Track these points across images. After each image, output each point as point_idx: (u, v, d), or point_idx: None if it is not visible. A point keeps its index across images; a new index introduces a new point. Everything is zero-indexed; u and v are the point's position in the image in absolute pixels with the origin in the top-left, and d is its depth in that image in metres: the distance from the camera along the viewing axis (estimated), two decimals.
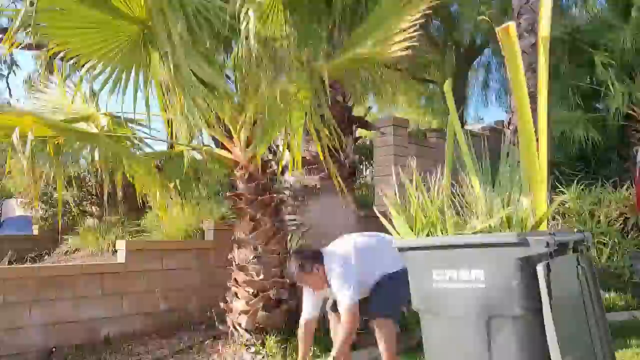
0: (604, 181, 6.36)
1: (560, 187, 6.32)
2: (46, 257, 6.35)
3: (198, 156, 5.12)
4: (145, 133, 4.34)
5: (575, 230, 2.33)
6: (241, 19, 3.33)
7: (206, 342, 4.31)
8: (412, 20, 2.91)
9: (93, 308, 4.33)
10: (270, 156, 5.17)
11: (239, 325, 4.00)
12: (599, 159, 8.29)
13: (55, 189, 6.94)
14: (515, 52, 2.13)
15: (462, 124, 10.51)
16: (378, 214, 2.71)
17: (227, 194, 4.32)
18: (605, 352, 2.18)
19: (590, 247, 2.36)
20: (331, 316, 3.37)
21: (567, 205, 5.96)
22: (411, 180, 2.50)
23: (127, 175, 4.01)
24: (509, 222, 2.22)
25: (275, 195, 4.22)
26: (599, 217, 5.79)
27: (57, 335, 4.08)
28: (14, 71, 10.42)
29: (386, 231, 2.65)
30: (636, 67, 7.59)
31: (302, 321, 3.29)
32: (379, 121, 7.35)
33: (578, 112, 7.79)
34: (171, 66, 3.28)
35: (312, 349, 3.72)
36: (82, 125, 4.08)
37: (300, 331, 3.29)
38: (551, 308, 1.82)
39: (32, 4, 3.05)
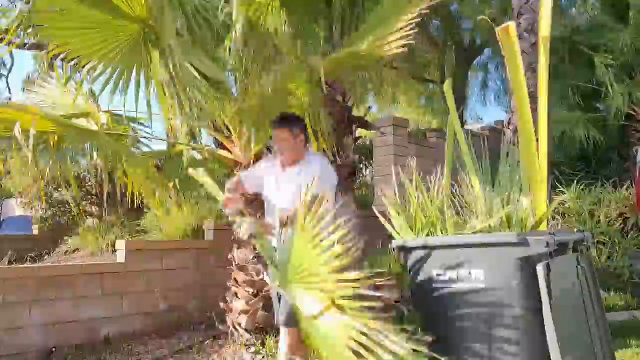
0: (604, 181, 6.36)
1: (560, 187, 6.32)
2: (46, 257, 6.36)
3: (198, 156, 5.12)
4: (147, 133, 4.34)
5: (575, 230, 2.33)
6: (235, 18, 3.34)
7: (206, 342, 4.31)
8: (410, 19, 2.91)
9: (93, 308, 4.33)
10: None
11: (239, 325, 4.00)
12: (599, 159, 8.29)
13: (55, 189, 6.96)
14: (515, 52, 2.14)
15: (462, 124, 10.51)
16: (378, 214, 2.72)
17: None
18: (605, 352, 2.18)
19: (590, 247, 2.36)
20: (283, 331, 2.68)
21: (567, 205, 5.96)
22: (411, 180, 2.51)
23: (126, 174, 4.00)
24: (509, 222, 2.22)
25: None
26: (599, 217, 5.79)
27: (57, 335, 4.08)
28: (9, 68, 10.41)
29: (386, 231, 2.65)
30: (636, 67, 7.59)
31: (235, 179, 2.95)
32: (379, 121, 7.35)
33: (578, 112, 7.79)
34: (170, 65, 3.28)
35: None
36: (82, 122, 4.08)
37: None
38: (551, 308, 1.82)
39: (29, 2, 3.06)
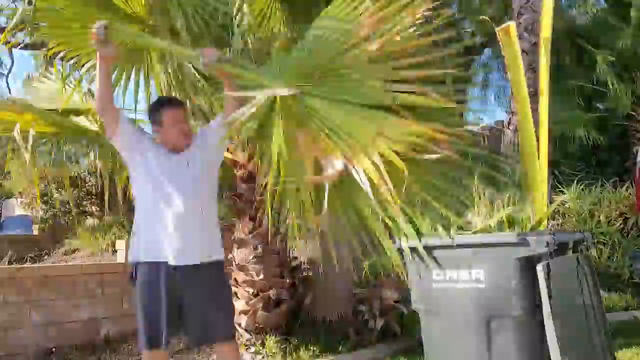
0: (604, 181, 6.36)
1: (560, 187, 6.32)
2: (46, 257, 6.35)
3: None
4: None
5: (575, 230, 2.33)
6: (236, 18, 3.33)
7: None
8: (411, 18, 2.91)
9: (93, 308, 4.33)
10: None
11: (239, 325, 4.00)
12: (599, 159, 8.29)
13: (55, 189, 6.95)
14: (515, 52, 2.14)
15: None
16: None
17: (227, 193, 4.32)
18: (605, 352, 2.18)
19: (590, 247, 2.36)
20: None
21: (567, 205, 5.96)
22: None
23: (124, 176, 4.00)
24: (508, 222, 2.22)
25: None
26: (599, 217, 5.79)
27: (57, 335, 4.07)
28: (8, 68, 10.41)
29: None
30: (637, 67, 7.59)
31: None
32: None
33: (578, 112, 7.79)
34: (169, 66, 3.27)
35: (311, 348, 3.73)
36: (80, 119, 4.07)
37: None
38: (551, 308, 1.82)
39: (30, 3, 3.05)
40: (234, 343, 2.38)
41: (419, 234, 2.33)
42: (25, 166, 3.47)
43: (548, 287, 1.84)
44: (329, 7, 2.12)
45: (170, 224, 2.26)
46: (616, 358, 2.41)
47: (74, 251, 6.15)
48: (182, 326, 2.28)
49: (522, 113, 2.19)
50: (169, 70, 3.36)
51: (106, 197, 4.47)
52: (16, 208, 9.01)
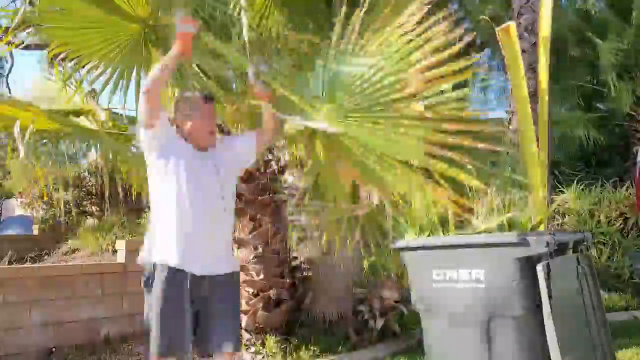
0: (604, 181, 6.36)
1: (560, 187, 6.32)
2: (46, 257, 6.35)
3: None
4: None
5: (575, 230, 2.33)
6: (234, 17, 3.34)
7: None
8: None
9: (93, 308, 4.33)
10: (270, 156, 5.17)
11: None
12: (599, 159, 8.29)
13: (55, 189, 6.95)
14: (515, 52, 2.14)
15: None
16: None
17: None
18: (606, 352, 2.18)
19: (590, 247, 2.36)
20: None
21: (567, 205, 5.96)
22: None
23: (125, 174, 3.99)
24: (509, 222, 2.22)
25: (275, 195, 4.22)
26: (599, 217, 5.79)
27: (57, 335, 4.07)
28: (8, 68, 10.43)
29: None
30: (637, 67, 7.59)
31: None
32: None
33: (578, 112, 7.79)
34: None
35: (311, 348, 3.73)
36: (81, 119, 4.08)
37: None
38: (551, 308, 1.82)
39: (31, 3, 3.05)
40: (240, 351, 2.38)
41: (419, 234, 2.33)
42: (26, 165, 3.47)
43: (548, 287, 1.84)
44: (379, 37, 2.19)
45: (200, 230, 2.17)
46: (616, 358, 2.41)
47: (74, 251, 6.15)
48: (197, 334, 2.20)
49: (522, 113, 2.19)
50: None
51: (106, 195, 4.47)
52: (16, 208, 9.01)
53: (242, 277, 4.05)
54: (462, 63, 1.95)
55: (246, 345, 3.94)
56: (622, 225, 5.76)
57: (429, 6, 2.41)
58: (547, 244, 1.88)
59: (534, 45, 5.45)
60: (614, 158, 8.32)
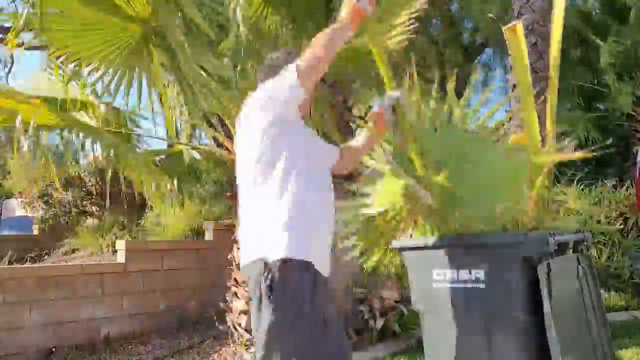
0: (604, 181, 6.36)
1: (560, 187, 6.31)
2: (46, 257, 6.35)
3: (198, 156, 5.12)
4: (145, 131, 4.35)
5: (575, 230, 2.33)
6: (231, 16, 3.34)
7: (206, 342, 4.31)
8: (409, 14, 2.92)
9: (93, 308, 4.33)
10: None
11: (239, 325, 4.00)
12: (599, 159, 8.28)
13: (55, 189, 6.95)
14: (522, 52, 2.15)
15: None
16: None
17: (227, 193, 4.33)
18: (606, 352, 2.18)
19: (590, 247, 2.36)
20: None
21: (567, 206, 5.96)
22: None
23: (125, 172, 3.99)
24: (509, 222, 2.22)
25: None
26: (599, 217, 5.79)
27: (57, 335, 4.08)
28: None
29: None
30: (636, 67, 7.59)
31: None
32: None
33: (578, 112, 7.79)
34: (181, 60, 3.27)
35: None
36: (81, 114, 4.07)
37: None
38: (551, 308, 1.82)
39: (33, 5, 3.05)
40: None
41: (419, 233, 2.33)
42: (26, 164, 3.47)
43: (548, 287, 1.84)
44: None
45: (328, 224, 1.88)
46: (616, 358, 2.41)
47: (74, 251, 6.15)
48: None
49: (527, 113, 2.19)
50: (176, 68, 3.36)
51: (107, 193, 4.47)
52: (16, 208, 9.02)
53: (242, 277, 4.05)
54: None
55: (246, 345, 3.94)
56: (622, 225, 5.75)
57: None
58: (547, 244, 1.88)
59: (534, 45, 5.46)
60: (614, 158, 8.32)
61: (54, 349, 4.01)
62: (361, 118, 5.18)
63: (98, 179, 6.97)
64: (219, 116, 3.99)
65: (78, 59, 3.47)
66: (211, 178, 6.13)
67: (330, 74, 3.40)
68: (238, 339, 4.03)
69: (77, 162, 5.06)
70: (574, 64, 8.05)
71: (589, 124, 7.62)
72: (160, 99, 3.99)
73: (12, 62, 10.93)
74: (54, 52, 3.40)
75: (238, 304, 4.04)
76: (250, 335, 3.95)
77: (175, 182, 4.69)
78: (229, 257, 4.24)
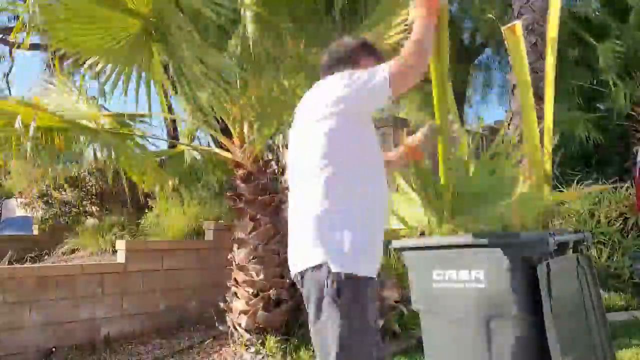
0: (604, 181, 6.36)
1: (560, 187, 6.31)
2: (46, 257, 6.35)
3: (198, 156, 5.12)
4: (145, 131, 4.34)
5: (575, 230, 2.33)
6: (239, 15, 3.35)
7: (206, 342, 4.31)
8: (409, 14, 2.93)
9: (93, 308, 4.33)
10: (270, 156, 5.17)
11: (239, 325, 4.00)
12: (599, 159, 8.28)
13: (55, 189, 6.96)
14: (521, 52, 2.15)
15: (462, 123, 10.48)
16: None
17: (228, 193, 4.33)
18: (606, 352, 2.17)
19: (590, 247, 2.36)
20: None
21: (567, 205, 5.96)
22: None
23: (126, 172, 3.99)
24: (509, 222, 2.22)
25: (275, 195, 4.22)
26: (599, 217, 5.79)
27: (57, 335, 4.08)
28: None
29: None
30: (636, 67, 7.59)
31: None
32: (379, 121, 7.34)
33: (578, 112, 7.79)
34: (179, 57, 3.27)
35: (311, 348, 3.73)
36: (84, 122, 4.08)
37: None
38: (551, 308, 1.82)
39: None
40: None
41: (419, 233, 2.33)
42: (26, 164, 3.47)
43: (548, 287, 1.84)
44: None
45: (382, 223, 1.77)
46: (616, 358, 2.41)
47: (73, 251, 6.15)
48: None
49: (527, 113, 2.19)
50: (176, 65, 3.36)
51: (107, 193, 4.47)
52: (16, 208, 9.01)
53: (242, 277, 4.05)
54: None
55: (246, 345, 3.94)
56: (622, 225, 5.75)
57: None
58: (547, 244, 1.88)
59: (534, 45, 5.46)
60: (614, 158, 8.32)
61: (54, 349, 4.01)
62: None
63: (98, 178, 6.97)
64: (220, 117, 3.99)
65: (78, 52, 3.47)
66: (211, 178, 6.14)
67: None
68: (238, 339, 4.03)
69: (77, 162, 5.06)
70: (574, 64, 8.05)
71: (589, 124, 7.62)
72: (165, 95, 3.98)
73: (12, 63, 10.92)
74: (54, 46, 3.40)
75: (238, 304, 4.05)
76: (250, 335, 3.95)
77: (176, 180, 4.69)
78: (229, 257, 4.24)
